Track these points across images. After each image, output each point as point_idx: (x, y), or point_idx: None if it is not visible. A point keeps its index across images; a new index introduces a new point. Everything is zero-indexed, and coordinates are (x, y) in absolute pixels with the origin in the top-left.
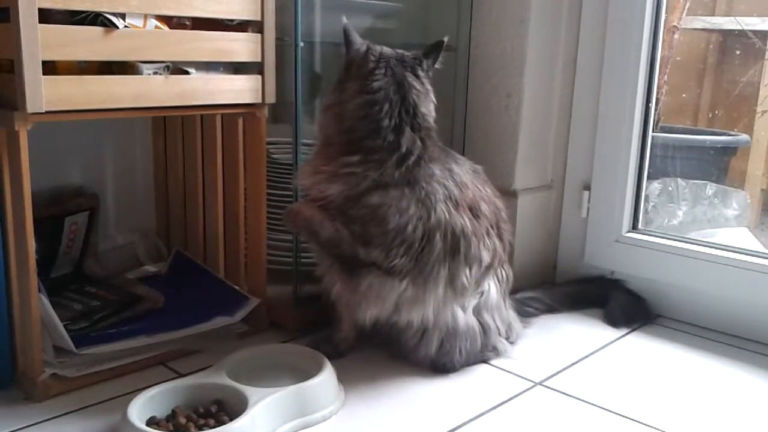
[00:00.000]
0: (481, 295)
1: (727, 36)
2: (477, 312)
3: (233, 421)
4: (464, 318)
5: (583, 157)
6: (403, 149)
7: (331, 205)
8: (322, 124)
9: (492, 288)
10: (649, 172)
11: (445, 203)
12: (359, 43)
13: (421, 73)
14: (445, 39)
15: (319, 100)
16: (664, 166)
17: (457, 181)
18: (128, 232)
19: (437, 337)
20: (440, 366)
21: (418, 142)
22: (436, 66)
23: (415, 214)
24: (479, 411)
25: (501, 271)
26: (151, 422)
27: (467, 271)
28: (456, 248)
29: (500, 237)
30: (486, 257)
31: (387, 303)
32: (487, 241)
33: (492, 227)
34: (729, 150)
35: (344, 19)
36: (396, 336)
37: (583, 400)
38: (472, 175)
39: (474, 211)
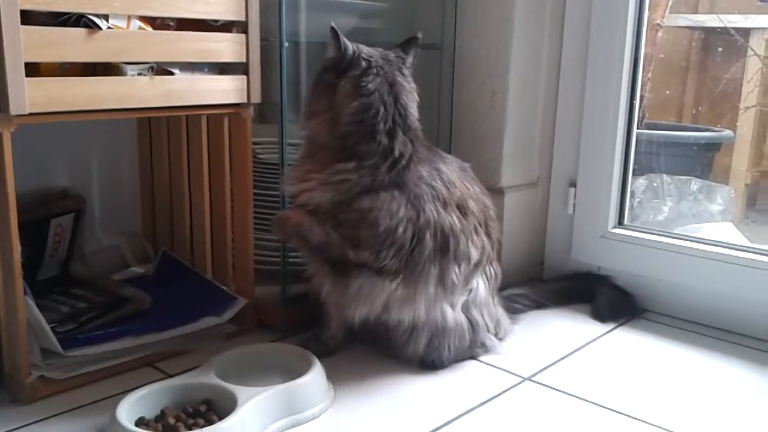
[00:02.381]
0: (470, 293)
1: (710, 33)
2: (465, 309)
3: (222, 421)
4: (453, 315)
5: (569, 155)
6: (396, 153)
7: (319, 211)
8: (313, 130)
9: (480, 285)
10: (634, 168)
11: (434, 203)
12: (350, 44)
13: (406, 72)
14: (419, 35)
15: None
16: (649, 162)
17: (445, 180)
18: (114, 233)
19: (426, 335)
20: (429, 362)
21: (409, 145)
22: (421, 64)
23: (405, 216)
24: (468, 407)
25: (489, 269)
26: (140, 423)
27: (456, 269)
28: (445, 247)
29: (488, 234)
30: (474, 255)
31: (377, 303)
32: (476, 238)
33: (480, 225)
34: (713, 146)
35: (332, 23)
36: (385, 333)
37: (571, 395)
38: (459, 173)
39: (462, 210)
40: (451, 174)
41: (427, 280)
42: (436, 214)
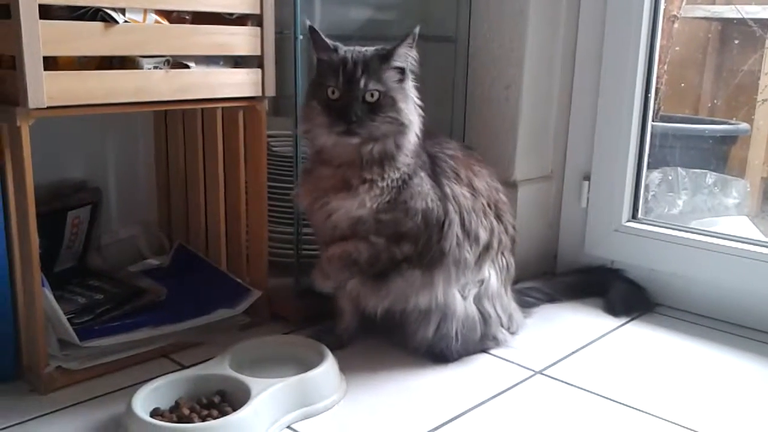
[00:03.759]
0: (482, 284)
1: (727, 25)
2: (478, 301)
3: (236, 412)
4: (463, 304)
5: (583, 148)
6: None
7: (359, 224)
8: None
9: (492, 276)
10: (648, 161)
11: (446, 175)
12: None
13: None
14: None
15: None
16: (663, 155)
17: (448, 154)
18: (130, 225)
19: (435, 320)
20: (437, 352)
21: None
22: (435, 56)
23: (433, 192)
24: (480, 400)
25: (502, 259)
26: (155, 413)
27: (468, 247)
28: (462, 221)
29: (499, 218)
30: (483, 235)
31: (402, 295)
32: (484, 219)
33: (489, 206)
34: (729, 139)
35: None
36: (399, 321)
37: (582, 389)
38: (462, 151)
39: (470, 186)
40: (454, 151)
41: (447, 258)
42: (450, 188)
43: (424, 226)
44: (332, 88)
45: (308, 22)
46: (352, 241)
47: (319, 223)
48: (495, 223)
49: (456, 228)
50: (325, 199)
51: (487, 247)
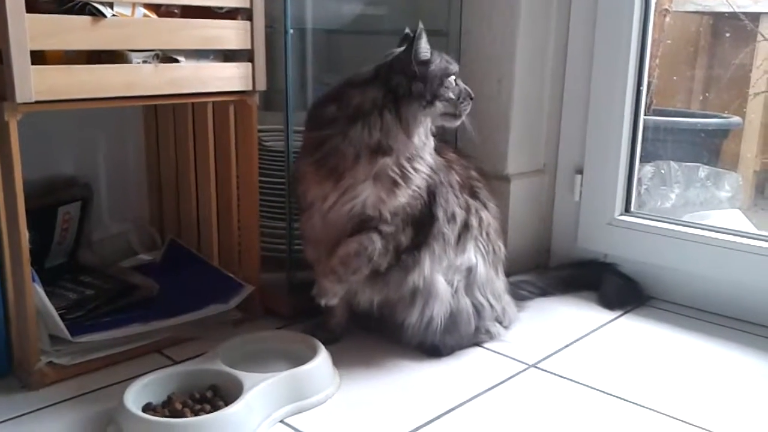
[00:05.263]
0: (470, 273)
1: (719, 18)
2: (469, 292)
3: (229, 407)
4: (445, 285)
5: (576, 141)
6: None
7: (393, 217)
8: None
9: (480, 263)
10: (641, 155)
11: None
12: None
13: None
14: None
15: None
16: (656, 149)
17: None
18: (122, 221)
19: (420, 303)
20: (429, 346)
21: None
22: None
23: (429, 165)
24: (473, 393)
25: (488, 243)
26: (148, 408)
27: (446, 222)
28: (443, 192)
29: (474, 196)
30: (459, 213)
31: (396, 285)
32: (459, 195)
33: (463, 182)
34: (721, 132)
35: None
36: (388, 312)
37: (576, 382)
38: None
39: (444, 156)
40: None
41: (435, 229)
42: (432, 158)
43: (427, 200)
44: (455, 77)
45: (420, 25)
46: (364, 233)
47: (332, 220)
48: (470, 200)
49: (442, 199)
50: (353, 193)
51: (467, 225)
